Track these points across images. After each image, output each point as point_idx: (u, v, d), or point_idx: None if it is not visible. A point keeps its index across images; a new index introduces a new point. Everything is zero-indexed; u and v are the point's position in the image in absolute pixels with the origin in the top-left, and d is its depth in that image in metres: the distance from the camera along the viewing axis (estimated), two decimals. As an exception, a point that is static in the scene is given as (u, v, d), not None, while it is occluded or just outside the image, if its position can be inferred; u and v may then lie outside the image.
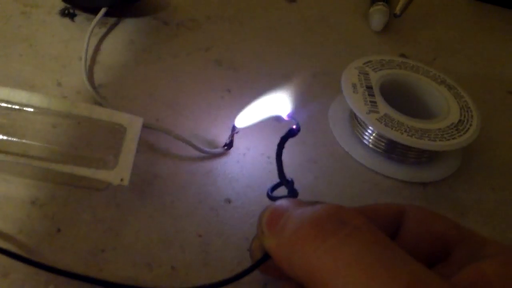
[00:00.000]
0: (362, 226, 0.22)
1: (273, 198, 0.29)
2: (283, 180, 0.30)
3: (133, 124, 0.35)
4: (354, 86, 0.43)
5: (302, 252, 0.22)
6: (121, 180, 0.32)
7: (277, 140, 0.31)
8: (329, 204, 0.24)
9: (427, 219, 0.26)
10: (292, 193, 0.29)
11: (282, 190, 0.30)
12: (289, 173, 0.30)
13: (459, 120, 0.42)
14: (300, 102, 0.36)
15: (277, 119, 0.33)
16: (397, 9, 0.56)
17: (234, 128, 0.38)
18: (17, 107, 0.35)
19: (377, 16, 0.57)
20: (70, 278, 0.28)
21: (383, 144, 0.41)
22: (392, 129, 0.39)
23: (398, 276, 0.20)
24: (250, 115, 0.38)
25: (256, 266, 0.27)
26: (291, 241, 0.23)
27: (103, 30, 0.49)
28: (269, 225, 0.25)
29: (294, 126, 0.31)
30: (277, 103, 0.37)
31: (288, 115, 0.33)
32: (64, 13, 0.49)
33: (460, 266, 0.23)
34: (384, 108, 0.41)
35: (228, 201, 0.36)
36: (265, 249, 0.25)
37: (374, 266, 0.20)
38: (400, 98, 0.44)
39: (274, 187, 0.30)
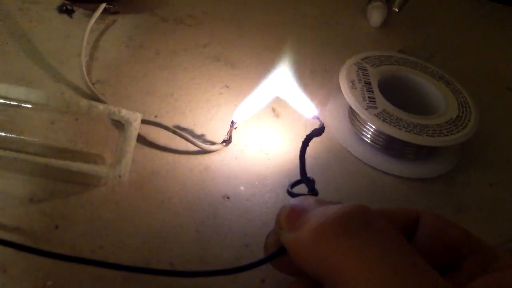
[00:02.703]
0: (387, 229, 0.22)
1: (293, 195, 0.28)
2: (304, 179, 0.29)
3: (131, 120, 0.35)
4: (352, 82, 0.43)
5: (324, 247, 0.22)
6: (120, 176, 0.32)
7: (274, 136, 0.31)
8: (354, 204, 0.23)
9: (441, 227, 0.26)
10: (312, 192, 0.28)
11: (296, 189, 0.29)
12: (288, 169, 0.29)
13: (457, 116, 0.42)
14: (299, 98, 0.36)
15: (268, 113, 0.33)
16: (395, 5, 0.56)
17: (232, 123, 0.38)
18: (15, 103, 0.35)
19: (376, 12, 0.57)
20: (72, 262, 0.27)
21: (381, 140, 0.41)
22: (390, 124, 0.39)
23: (419, 285, 0.20)
24: (248, 109, 0.38)
25: (271, 259, 0.26)
26: (313, 235, 0.23)
27: (101, 26, 0.49)
28: (288, 219, 0.24)
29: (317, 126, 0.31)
30: (274, 97, 0.37)
31: (313, 116, 0.35)
32: (62, 10, 0.49)
33: (471, 276, 0.23)
34: (382, 104, 0.41)
35: (227, 197, 0.36)
36: (282, 244, 0.25)
37: (397, 272, 0.20)
38: (398, 94, 0.44)
39: (294, 184, 0.29)
